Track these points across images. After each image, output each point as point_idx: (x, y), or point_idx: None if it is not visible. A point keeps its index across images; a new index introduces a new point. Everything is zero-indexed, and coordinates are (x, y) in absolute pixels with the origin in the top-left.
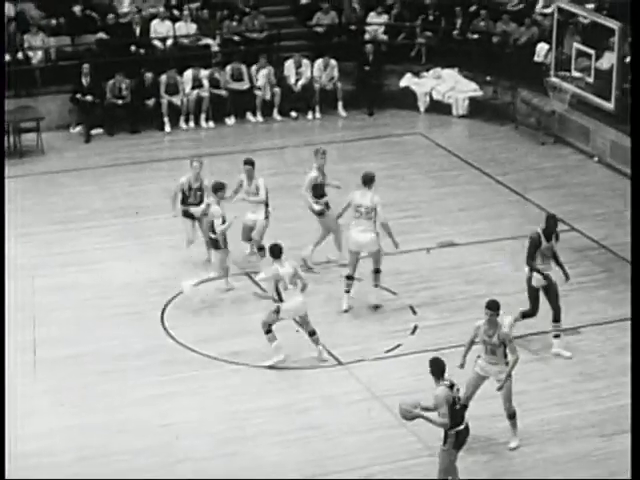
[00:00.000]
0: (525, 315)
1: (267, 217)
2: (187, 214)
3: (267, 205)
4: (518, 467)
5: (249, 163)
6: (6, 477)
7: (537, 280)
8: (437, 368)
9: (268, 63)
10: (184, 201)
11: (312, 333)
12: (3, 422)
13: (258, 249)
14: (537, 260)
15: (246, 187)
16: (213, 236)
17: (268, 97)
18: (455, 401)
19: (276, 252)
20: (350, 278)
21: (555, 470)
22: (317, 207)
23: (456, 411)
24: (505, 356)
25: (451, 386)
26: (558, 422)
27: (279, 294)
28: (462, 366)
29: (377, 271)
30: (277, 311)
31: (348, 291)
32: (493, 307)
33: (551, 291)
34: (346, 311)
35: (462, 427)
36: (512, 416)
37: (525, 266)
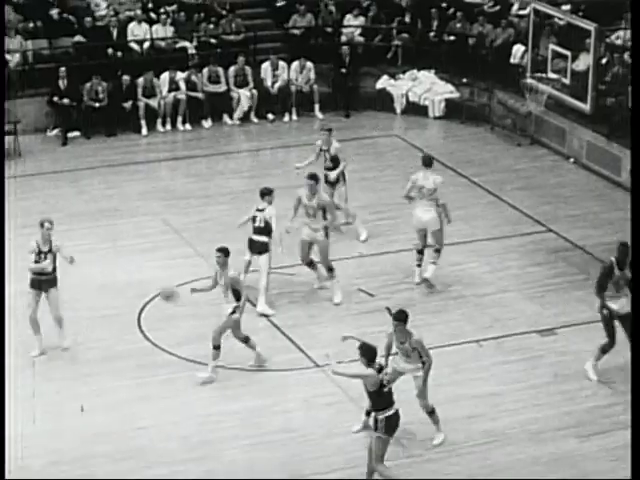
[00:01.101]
0: (604, 350)
1: (327, 235)
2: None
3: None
4: (495, 468)
5: (312, 178)
6: (6, 477)
7: (620, 306)
8: (368, 353)
9: (245, 64)
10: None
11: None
12: (3, 422)
13: (328, 270)
14: (608, 290)
15: (306, 202)
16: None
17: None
18: (382, 384)
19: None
20: (420, 252)
21: (532, 471)
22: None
23: (384, 394)
24: (420, 357)
25: (379, 369)
26: (534, 423)
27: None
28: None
29: (437, 250)
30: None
31: (419, 265)
32: (400, 318)
33: (627, 320)
34: (418, 284)
35: (392, 412)
36: (432, 412)
37: (595, 296)
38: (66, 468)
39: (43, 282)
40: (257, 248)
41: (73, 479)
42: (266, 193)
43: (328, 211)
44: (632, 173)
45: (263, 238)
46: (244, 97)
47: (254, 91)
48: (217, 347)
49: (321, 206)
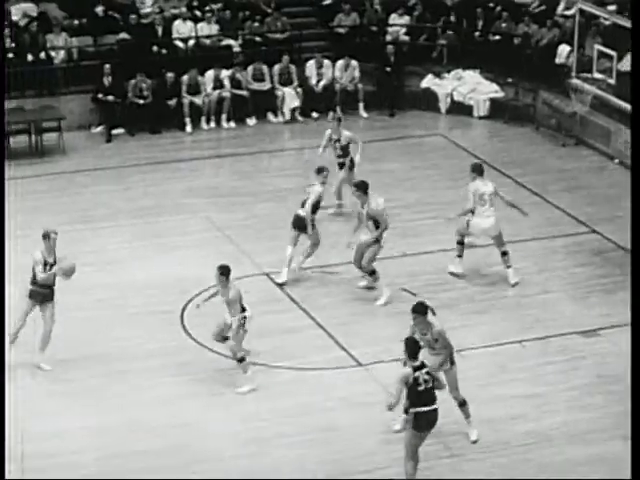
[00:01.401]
0: None
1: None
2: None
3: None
4: (536, 469)
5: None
6: (7, 477)
7: None
8: (410, 348)
9: (289, 63)
10: (34, 279)
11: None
12: (3, 423)
13: (369, 273)
14: None
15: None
16: (302, 214)
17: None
18: (417, 382)
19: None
20: (461, 243)
21: (574, 472)
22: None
23: (418, 392)
24: (445, 347)
25: (419, 368)
26: (577, 424)
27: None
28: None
29: (504, 254)
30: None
31: (460, 256)
32: (418, 310)
33: None
34: (452, 274)
35: (424, 409)
36: (462, 404)
37: None
38: (112, 463)
39: (44, 295)
40: (296, 223)
41: (74, 479)
42: (320, 171)
43: (379, 219)
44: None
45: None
46: (289, 95)
47: (299, 89)
48: (241, 360)
49: (371, 216)
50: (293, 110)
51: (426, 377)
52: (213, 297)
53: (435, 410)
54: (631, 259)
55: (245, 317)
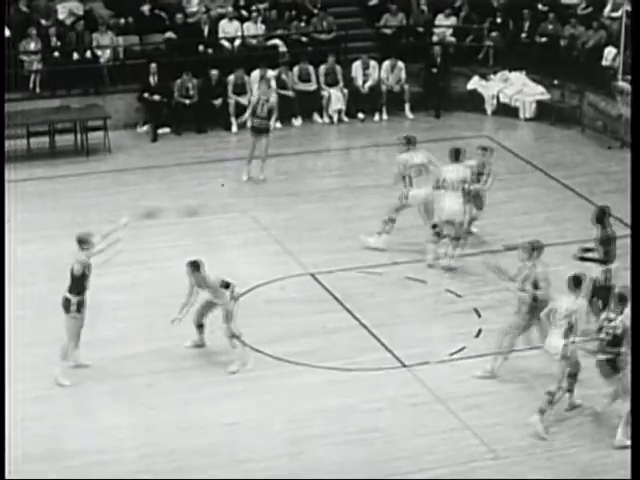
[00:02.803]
0: None
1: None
2: None
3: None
4: (581, 471)
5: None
6: (11, 477)
7: None
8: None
9: (335, 63)
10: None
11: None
12: (3, 423)
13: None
14: None
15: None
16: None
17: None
18: None
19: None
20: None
21: (619, 474)
22: None
23: None
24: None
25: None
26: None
27: None
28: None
29: (457, 239)
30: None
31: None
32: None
33: None
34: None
35: None
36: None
37: None
38: (158, 460)
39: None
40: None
41: (73, 479)
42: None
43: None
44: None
45: None
46: (335, 96)
47: (345, 90)
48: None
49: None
50: (338, 112)
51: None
52: (187, 307)
53: None
54: (630, 255)
55: (233, 290)
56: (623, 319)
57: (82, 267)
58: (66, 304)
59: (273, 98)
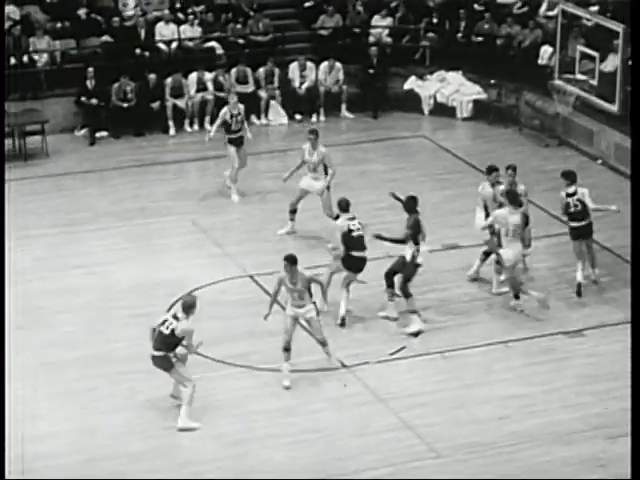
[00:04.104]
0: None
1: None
2: None
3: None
4: (523, 469)
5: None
6: (6, 477)
7: None
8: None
9: (274, 65)
10: None
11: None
12: (3, 424)
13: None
14: None
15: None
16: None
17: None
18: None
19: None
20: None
21: (561, 472)
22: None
23: None
24: (311, 296)
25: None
26: (563, 424)
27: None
28: (266, 317)
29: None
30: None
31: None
32: (289, 260)
33: None
34: None
35: None
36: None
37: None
38: (101, 465)
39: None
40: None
41: (74, 479)
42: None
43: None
44: (632, 173)
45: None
46: (274, 109)
47: (278, 96)
48: None
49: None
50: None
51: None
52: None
53: None
54: (631, 258)
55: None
56: None
57: None
58: None
59: (242, 107)
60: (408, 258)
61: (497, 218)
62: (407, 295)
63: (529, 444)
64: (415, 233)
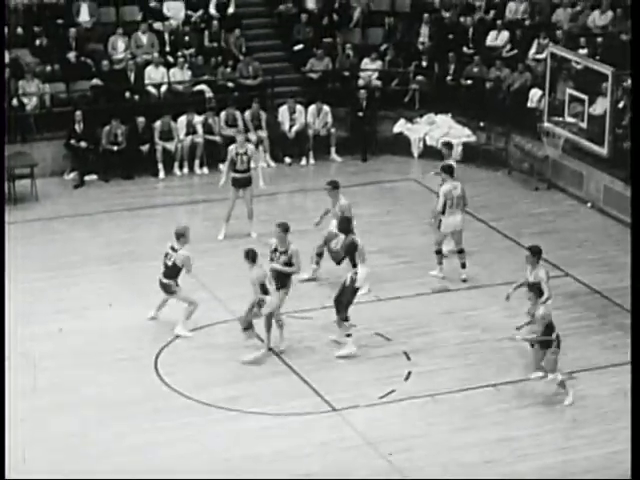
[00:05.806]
0: None
1: None
2: None
3: None
4: None
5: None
6: (6, 477)
7: None
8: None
9: (261, 109)
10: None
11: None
12: (3, 422)
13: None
14: None
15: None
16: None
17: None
18: None
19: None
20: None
21: None
22: None
23: None
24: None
25: None
26: (553, 468)
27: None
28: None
29: (461, 251)
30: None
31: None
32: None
33: None
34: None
35: None
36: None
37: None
38: None
39: None
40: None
41: (74, 479)
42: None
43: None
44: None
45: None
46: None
47: (265, 139)
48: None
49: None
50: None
51: None
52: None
53: None
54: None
55: (262, 300)
56: None
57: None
58: None
59: (251, 147)
60: (347, 282)
61: (446, 194)
62: (344, 319)
63: None
64: (351, 255)
